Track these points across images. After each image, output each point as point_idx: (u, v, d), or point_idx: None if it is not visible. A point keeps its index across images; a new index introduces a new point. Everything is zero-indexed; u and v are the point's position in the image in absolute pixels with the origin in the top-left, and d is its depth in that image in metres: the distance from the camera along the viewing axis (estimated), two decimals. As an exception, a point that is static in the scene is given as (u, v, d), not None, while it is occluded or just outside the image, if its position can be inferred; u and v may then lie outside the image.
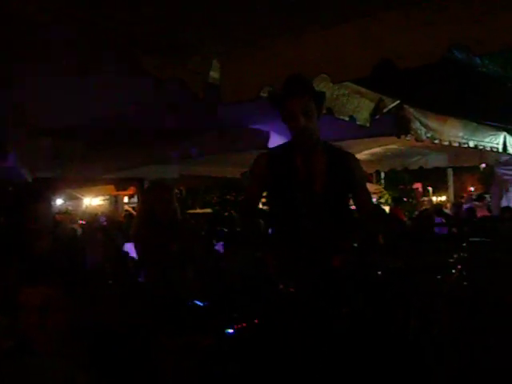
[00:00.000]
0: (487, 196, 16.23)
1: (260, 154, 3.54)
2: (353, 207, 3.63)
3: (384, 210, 12.39)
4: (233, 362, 2.76)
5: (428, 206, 20.10)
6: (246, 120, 6.50)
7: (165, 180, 10.19)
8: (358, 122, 5.49)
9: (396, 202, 14.23)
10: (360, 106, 5.49)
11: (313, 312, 2.79)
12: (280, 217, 3.42)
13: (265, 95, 3.90)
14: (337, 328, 2.61)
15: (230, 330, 2.82)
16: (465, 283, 3.39)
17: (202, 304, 3.21)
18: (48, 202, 3.84)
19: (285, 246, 3.11)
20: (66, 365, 2.19)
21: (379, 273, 3.15)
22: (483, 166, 14.22)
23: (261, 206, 3.82)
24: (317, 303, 2.77)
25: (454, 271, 3.11)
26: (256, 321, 2.91)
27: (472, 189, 25.91)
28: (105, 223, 13.67)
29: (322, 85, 4.32)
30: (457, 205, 15.16)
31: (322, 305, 2.75)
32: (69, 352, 2.25)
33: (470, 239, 3.06)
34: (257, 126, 6.91)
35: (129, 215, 15.28)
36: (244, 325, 2.86)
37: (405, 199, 22.43)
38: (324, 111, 4.62)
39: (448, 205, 18.74)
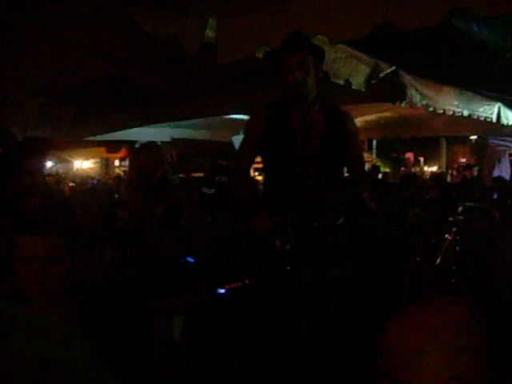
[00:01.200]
0: (475, 168, 16.33)
1: (257, 111, 3.50)
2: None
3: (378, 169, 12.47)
4: (224, 321, 2.76)
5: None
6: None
7: (155, 143, 10.17)
8: (353, 87, 5.44)
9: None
10: (356, 71, 5.43)
11: (309, 270, 2.80)
12: (275, 174, 3.40)
13: (260, 56, 3.85)
14: (333, 287, 2.60)
15: (222, 290, 2.82)
16: (457, 248, 3.40)
17: (193, 260, 3.20)
18: (41, 157, 3.78)
19: (279, 205, 3.10)
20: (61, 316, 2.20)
21: (375, 234, 3.15)
22: (475, 137, 14.23)
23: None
24: (314, 261, 2.77)
25: (447, 236, 3.11)
26: (247, 281, 2.90)
27: (463, 160, 25.97)
28: (94, 185, 13.63)
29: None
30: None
31: (319, 263, 2.75)
32: (64, 304, 2.26)
33: (466, 204, 3.07)
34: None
35: (118, 178, 15.23)
36: (237, 284, 2.86)
37: (397, 168, 22.51)
38: (320, 74, 4.59)
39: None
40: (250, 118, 3.50)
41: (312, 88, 3.27)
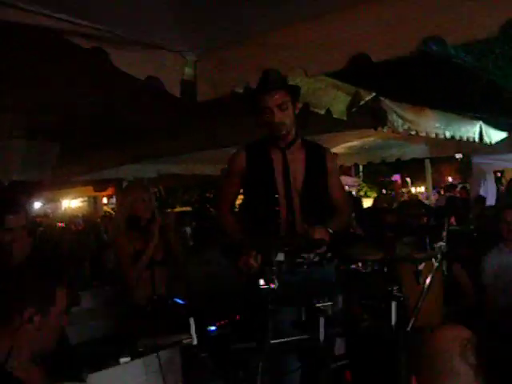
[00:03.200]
0: (459, 185, 16.43)
1: (237, 150, 3.54)
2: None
3: (360, 201, 12.51)
4: (215, 358, 2.74)
5: (406, 198, 20.25)
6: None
7: (143, 180, 10.18)
8: (334, 115, 5.50)
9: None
10: (336, 99, 5.49)
11: (295, 307, 2.80)
12: (259, 213, 3.42)
13: (240, 91, 3.89)
14: (319, 324, 2.60)
15: (212, 328, 2.81)
16: (445, 273, 3.41)
17: (182, 302, 3.19)
18: (24, 213, 3.76)
19: (264, 243, 3.11)
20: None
21: (360, 264, 3.16)
22: (459, 156, 14.34)
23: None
24: (300, 299, 2.77)
25: (434, 260, 3.12)
26: (237, 317, 2.89)
27: (450, 179, 26.13)
28: (81, 226, 13.57)
29: (298, 79, 4.31)
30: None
31: (303, 301, 2.75)
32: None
33: (450, 228, 3.09)
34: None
35: (106, 216, 15.18)
36: (225, 322, 2.85)
37: (383, 191, 22.60)
38: (300, 105, 4.64)
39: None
40: (231, 157, 3.53)
41: (291, 126, 3.32)
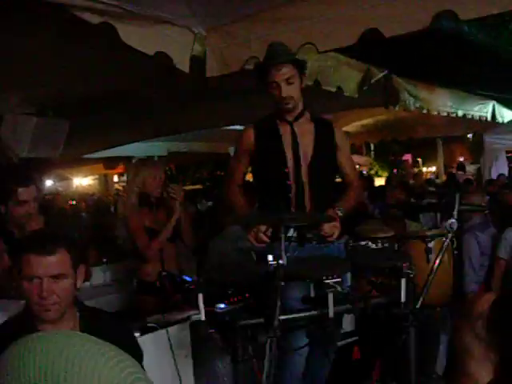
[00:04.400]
0: (469, 166, 16.36)
1: (246, 127, 3.53)
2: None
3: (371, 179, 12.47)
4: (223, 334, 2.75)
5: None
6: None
7: (153, 157, 10.18)
8: (345, 93, 5.46)
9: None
10: (347, 77, 5.44)
11: (304, 283, 2.81)
12: (267, 189, 3.42)
13: (250, 67, 3.86)
14: (328, 300, 2.60)
15: (222, 305, 2.81)
16: (455, 252, 3.39)
17: (190, 279, 3.20)
18: (35, 186, 3.80)
19: (274, 217, 3.10)
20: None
21: (370, 242, 3.16)
22: (471, 135, 14.25)
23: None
24: (309, 275, 2.77)
25: (444, 239, 3.11)
26: (247, 296, 2.90)
27: (461, 158, 25.94)
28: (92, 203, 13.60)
29: (308, 55, 4.28)
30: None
31: (312, 277, 2.74)
32: (68, 318, 2.33)
33: (461, 207, 3.07)
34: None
35: (119, 195, 15.21)
36: (236, 299, 2.86)
37: (394, 170, 22.51)
38: (311, 82, 4.60)
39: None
40: (240, 134, 3.52)
41: (299, 99, 3.30)
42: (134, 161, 10.15)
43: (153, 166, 4.53)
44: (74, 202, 14.54)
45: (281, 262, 2.45)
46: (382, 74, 5.91)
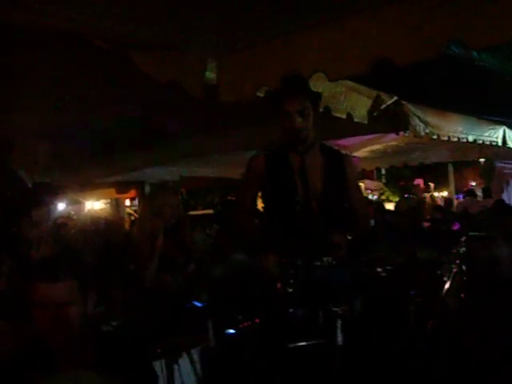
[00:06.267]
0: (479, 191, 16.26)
1: (255, 155, 3.54)
2: None
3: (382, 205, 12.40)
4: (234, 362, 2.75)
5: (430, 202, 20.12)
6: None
7: (168, 183, 10.20)
8: (355, 120, 5.49)
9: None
10: (357, 104, 5.48)
11: (311, 311, 2.80)
12: (277, 218, 3.42)
13: (261, 95, 3.90)
14: (338, 327, 2.60)
15: (231, 331, 2.82)
16: (464, 278, 3.39)
17: (200, 305, 3.21)
18: (47, 208, 3.85)
19: (283, 247, 3.11)
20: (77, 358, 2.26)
21: (380, 269, 3.15)
22: (482, 160, 14.21)
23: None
24: (315, 303, 2.77)
25: (453, 266, 3.10)
26: (257, 320, 2.90)
27: (473, 183, 25.83)
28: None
29: (319, 83, 4.31)
30: (448, 200, 15.30)
31: (320, 305, 2.74)
32: (78, 347, 2.32)
33: (470, 234, 3.07)
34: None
35: (130, 217, 15.22)
36: (244, 325, 2.86)
37: (406, 195, 22.43)
38: (321, 109, 4.63)
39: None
40: (250, 161, 3.53)
41: (310, 131, 3.31)
42: (147, 186, 10.18)
43: (169, 194, 4.53)
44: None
45: (289, 290, 2.46)
46: (391, 101, 5.94)
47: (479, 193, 17.06)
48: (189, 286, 4.43)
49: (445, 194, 25.53)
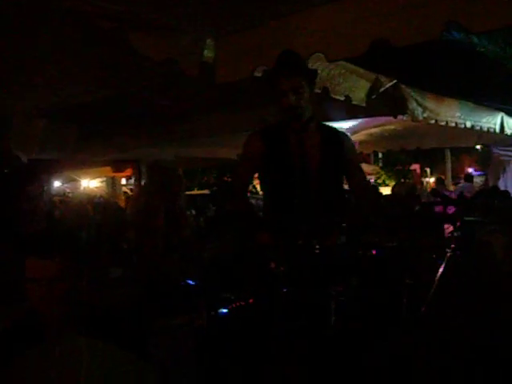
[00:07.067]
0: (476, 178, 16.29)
1: (252, 133, 3.52)
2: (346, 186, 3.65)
3: (377, 189, 12.42)
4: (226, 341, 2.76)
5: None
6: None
7: (161, 162, 10.18)
8: (353, 102, 5.47)
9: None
10: (356, 86, 5.46)
11: (304, 292, 2.80)
12: (274, 196, 3.41)
13: (259, 75, 3.88)
14: (329, 308, 2.60)
15: (224, 310, 2.82)
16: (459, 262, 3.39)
17: (194, 283, 3.21)
18: (41, 184, 3.84)
19: (279, 225, 3.10)
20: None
21: (374, 252, 3.15)
22: (480, 146, 14.22)
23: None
24: (308, 283, 2.77)
25: (448, 250, 3.11)
26: (251, 301, 2.91)
27: (470, 170, 25.88)
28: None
29: (317, 63, 4.29)
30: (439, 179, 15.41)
31: (314, 285, 2.74)
32: (70, 321, 2.33)
33: (465, 218, 3.07)
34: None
35: (128, 199, 15.19)
36: (237, 304, 2.87)
37: (402, 180, 22.48)
38: (319, 90, 4.61)
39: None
40: (247, 140, 3.52)
41: (306, 109, 3.29)
42: (143, 165, 10.16)
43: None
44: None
45: (281, 269, 2.46)
46: (390, 84, 5.92)
47: (477, 179, 17.13)
48: (183, 265, 4.45)
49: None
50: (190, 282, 3.27)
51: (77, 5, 3.12)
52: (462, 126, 7.73)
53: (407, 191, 10.31)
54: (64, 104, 6.16)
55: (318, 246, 3.09)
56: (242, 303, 2.88)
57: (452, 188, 15.76)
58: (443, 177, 17.73)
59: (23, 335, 2.29)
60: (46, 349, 2.23)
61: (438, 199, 7.19)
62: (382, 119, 8.71)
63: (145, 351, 2.48)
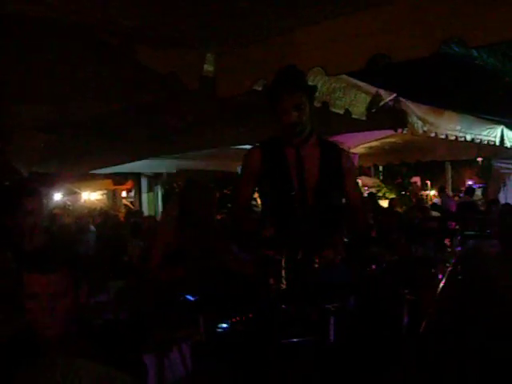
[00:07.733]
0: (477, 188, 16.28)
1: (252, 148, 3.52)
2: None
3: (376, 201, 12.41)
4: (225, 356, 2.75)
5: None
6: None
7: (164, 175, 10.21)
8: (353, 116, 5.47)
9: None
10: (356, 100, 5.47)
11: (304, 308, 2.79)
12: (273, 213, 3.40)
13: (259, 89, 3.89)
14: (330, 323, 2.59)
15: (224, 325, 2.81)
16: (459, 277, 3.38)
17: (193, 299, 3.20)
18: (41, 197, 3.83)
19: (277, 242, 3.10)
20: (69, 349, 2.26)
21: (373, 266, 3.15)
22: (480, 159, 14.22)
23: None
24: (309, 301, 2.76)
25: (448, 265, 3.10)
26: (250, 315, 2.90)
27: (470, 182, 25.84)
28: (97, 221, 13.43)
29: (317, 78, 4.30)
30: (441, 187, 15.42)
31: (314, 302, 2.74)
32: (70, 338, 2.30)
33: (465, 233, 3.06)
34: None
35: (129, 212, 15.18)
36: (237, 319, 2.86)
37: (402, 193, 22.47)
38: (319, 104, 4.61)
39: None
40: (247, 154, 3.52)
41: (306, 125, 3.30)
42: (143, 178, 10.15)
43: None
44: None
45: (281, 286, 2.45)
46: (390, 97, 5.93)
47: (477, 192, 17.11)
48: (182, 280, 4.42)
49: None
50: (189, 297, 3.26)
51: (83, 19, 3.14)
52: (463, 139, 7.75)
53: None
54: (66, 119, 6.18)
55: (317, 261, 3.09)
56: (242, 319, 2.87)
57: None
58: (445, 185, 17.74)
59: (22, 351, 2.28)
60: (43, 366, 2.22)
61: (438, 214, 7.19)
62: (382, 133, 8.75)
63: (142, 368, 2.46)
